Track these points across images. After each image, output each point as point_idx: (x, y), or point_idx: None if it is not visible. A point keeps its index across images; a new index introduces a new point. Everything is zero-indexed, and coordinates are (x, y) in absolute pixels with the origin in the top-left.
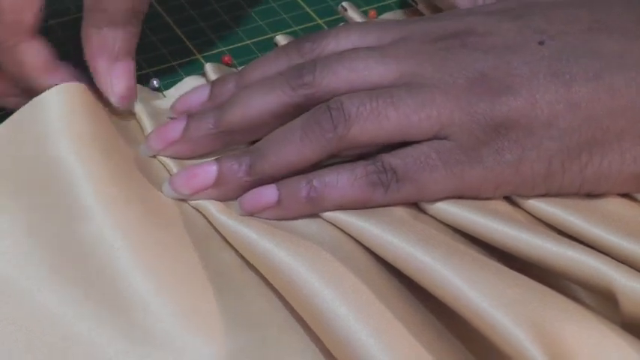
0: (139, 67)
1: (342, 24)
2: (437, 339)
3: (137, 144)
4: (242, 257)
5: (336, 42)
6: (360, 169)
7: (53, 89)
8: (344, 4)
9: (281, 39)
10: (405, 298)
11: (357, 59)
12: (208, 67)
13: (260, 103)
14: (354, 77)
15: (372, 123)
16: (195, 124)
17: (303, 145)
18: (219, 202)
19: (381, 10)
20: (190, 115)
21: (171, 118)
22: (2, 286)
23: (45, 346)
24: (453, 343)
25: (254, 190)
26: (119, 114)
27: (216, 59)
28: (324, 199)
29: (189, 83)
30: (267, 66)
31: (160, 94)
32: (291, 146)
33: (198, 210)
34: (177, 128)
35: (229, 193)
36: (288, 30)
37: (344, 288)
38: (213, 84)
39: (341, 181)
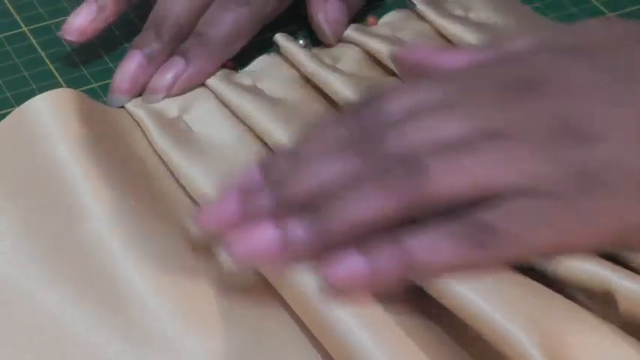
0: None
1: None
2: (436, 342)
3: (136, 142)
4: None
5: (398, 103)
6: (456, 227)
7: (45, 94)
8: None
9: (279, 38)
10: (402, 302)
11: (427, 118)
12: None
13: (328, 171)
14: (428, 137)
15: (455, 177)
16: (253, 198)
17: (377, 201)
18: None
19: (377, 11)
20: (245, 191)
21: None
22: (2, 286)
23: (45, 346)
24: (452, 347)
25: (335, 260)
26: (118, 117)
27: None
28: (424, 266)
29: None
30: (324, 136)
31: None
32: (366, 203)
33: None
34: (230, 203)
35: (289, 261)
36: (286, 30)
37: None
38: (261, 164)
39: (443, 243)
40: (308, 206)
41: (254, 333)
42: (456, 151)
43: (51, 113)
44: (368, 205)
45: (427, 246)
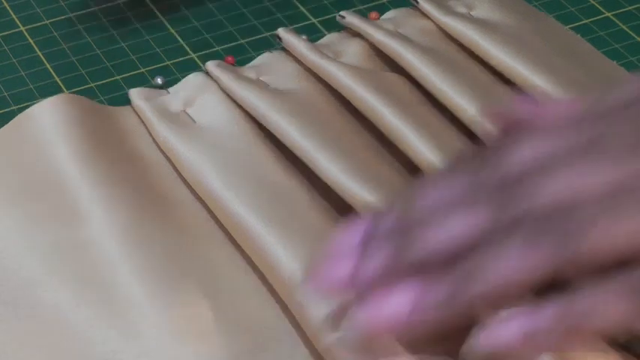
0: (133, 67)
1: (342, 30)
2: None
3: (139, 140)
4: (239, 258)
5: (531, 148)
6: (621, 284)
7: (46, 100)
8: (342, 13)
9: (282, 32)
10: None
11: (564, 168)
12: (211, 65)
13: (462, 225)
14: (567, 189)
15: (618, 230)
16: (372, 255)
17: (526, 260)
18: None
19: (377, 9)
20: (359, 248)
21: None
22: (1, 288)
23: (43, 346)
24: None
25: (495, 323)
26: (118, 119)
27: (210, 59)
28: (592, 327)
29: (193, 80)
30: (450, 186)
31: (164, 91)
32: (512, 262)
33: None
34: (345, 261)
35: (420, 330)
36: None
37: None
38: (375, 217)
39: (613, 301)
40: (441, 265)
41: (251, 337)
42: (615, 200)
43: (51, 120)
44: (515, 265)
45: (595, 306)
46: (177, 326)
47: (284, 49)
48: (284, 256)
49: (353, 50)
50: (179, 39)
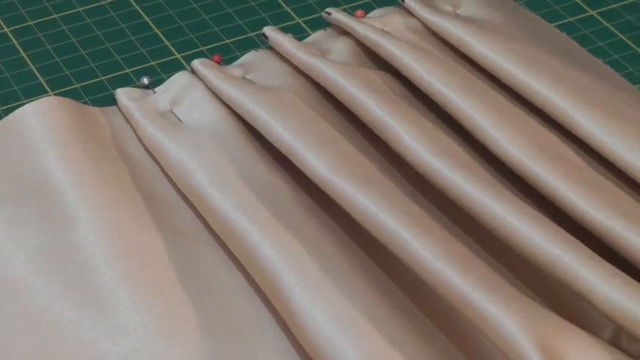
0: (118, 68)
1: (328, 28)
2: (412, 335)
3: (126, 141)
4: (226, 257)
5: None
6: None
7: (32, 102)
8: (328, 9)
9: (268, 30)
10: (375, 289)
11: None
12: (197, 64)
13: None
14: None
15: None
16: None
17: None
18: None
19: (362, 8)
20: None
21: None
22: None
23: (31, 347)
24: (437, 341)
25: None
26: (104, 120)
27: (195, 59)
28: None
29: (179, 79)
30: None
31: (151, 91)
32: None
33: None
34: None
35: None
36: None
37: (304, 274)
38: None
39: None
40: None
41: (236, 337)
42: None
43: (37, 122)
44: None
45: None
46: (163, 326)
47: (270, 48)
48: (269, 255)
49: (339, 48)
50: (164, 39)
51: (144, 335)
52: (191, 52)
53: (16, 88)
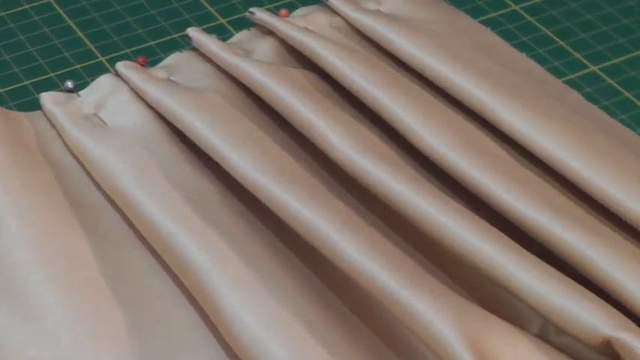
0: (42, 72)
1: (252, 28)
2: (342, 334)
3: (53, 152)
4: (153, 260)
5: None
6: None
7: None
8: (251, 9)
9: (192, 31)
10: (304, 289)
11: None
12: (121, 66)
13: None
14: None
15: None
16: None
17: None
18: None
19: (286, 7)
20: None
21: None
22: None
23: None
24: (367, 339)
25: None
26: (29, 125)
27: (119, 61)
28: None
29: (103, 82)
30: None
31: (75, 94)
32: None
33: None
34: None
35: None
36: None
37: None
38: None
39: None
40: None
41: (164, 341)
42: None
43: None
44: None
45: None
46: (92, 330)
47: (194, 49)
48: (197, 257)
49: (263, 47)
50: (88, 42)
51: (73, 340)
52: (115, 54)
53: None
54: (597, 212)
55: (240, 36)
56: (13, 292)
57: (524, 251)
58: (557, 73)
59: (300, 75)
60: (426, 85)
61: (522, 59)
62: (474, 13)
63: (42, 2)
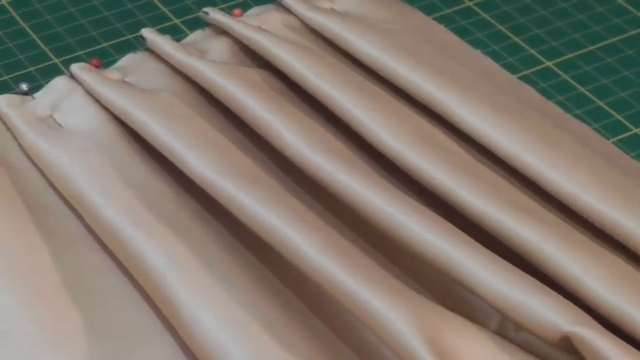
0: None
1: (206, 27)
2: (300, 333)
3: (8, 154)
4: (110, 261)
5: None
6: None
7: None
8: (205, 9)
9: (146, 32)
10: (262, 288)
11: None
12: (75, 68)
13: None
14: None
15: None
16: None
17: None
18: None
19: (240, 7)
20: None
21: None
22: None
23: None
24: (325, 337)
25: None
26: None
27: (74, 63)
28: None
29: (58, 84)
30: None
31: (30, 97)
32: None
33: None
34: None
35: None
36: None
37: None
38: None
39: None
40: None
41: (120, 341)
42: None
43: None
44: None
45: None
46: (49, 332)
47: (149, 50)
48: (154, 258)
49: (218, 47)
50: (42, 45)
51: (29, 342)
52: (69, 56)
53: None
54: (553, 206)
55: (195, 36)
56: None
57: (481, 247)
58: (511, 69)
59: (255, 74)
60: (380, 82)
61: (477, 56)
62: (428, 10)
63: None
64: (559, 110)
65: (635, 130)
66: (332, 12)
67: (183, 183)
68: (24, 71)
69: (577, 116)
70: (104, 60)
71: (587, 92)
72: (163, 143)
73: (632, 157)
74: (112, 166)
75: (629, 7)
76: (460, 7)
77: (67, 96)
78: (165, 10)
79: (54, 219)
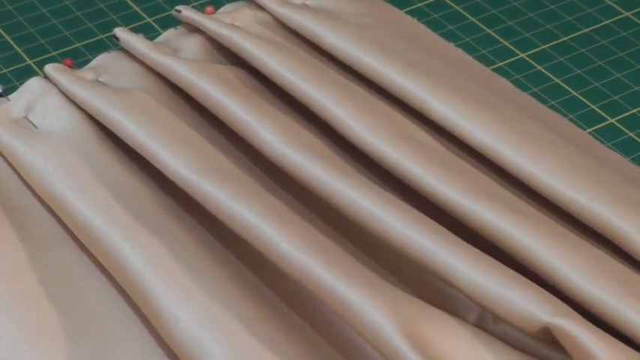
0: None
1: (179, 26)
2: (278, 329)
3: None
4: (88, 261)
5: None
6: None
7: None
8: (177, 7)
9: (119, 31)
10: (240, 285)
11: None
12: (49, 69)
13: None
14: None
15: None
16: None
17: None
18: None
19: (212, 3)
20: None
21: None
22: None
23: None
24: (304, 333)
25: None
26: None
27: (47, 64)
28: None
29: (32, 85)
30: None
31: (4, 99)
32: None
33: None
34: None
35: None
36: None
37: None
38: None
39: None
40: None
41: (100, 343)
42: None
43: None
44: None
45: None
46: (29, 334)
47: (122, 49)
48: (131, 257)
49: (191, 45)
50: (15, 46)
51: (10, 344)
52: (43, 57)
53: None
54: (529, 198)
55: (167, 34)
56: None
57: (459, 240)
58: (485, 61)
59: (228, 71)
60: (354, 77)
61: (450, 48)
62: (400, 4)
63: None
64: (534, 101)
65: (611, 120)
66: (304, 7)
67: (159, 181)
68: None
69: (552, 107)
70: (78, 60)
71: (561, 83)
72: (138, 142)
73: (608, 147)
74: (88, 165)
75: None
76: (432, 0)
77: (42, 97)
78: (138, 9)
79: (30, 220)
